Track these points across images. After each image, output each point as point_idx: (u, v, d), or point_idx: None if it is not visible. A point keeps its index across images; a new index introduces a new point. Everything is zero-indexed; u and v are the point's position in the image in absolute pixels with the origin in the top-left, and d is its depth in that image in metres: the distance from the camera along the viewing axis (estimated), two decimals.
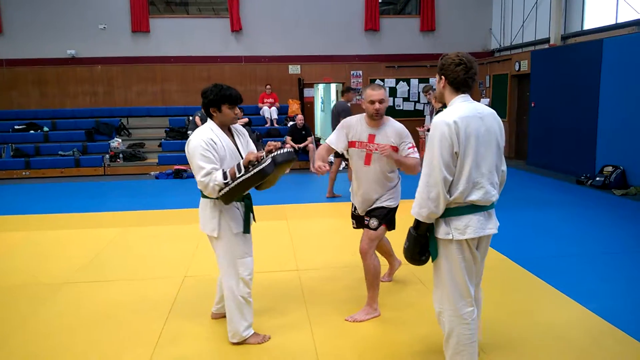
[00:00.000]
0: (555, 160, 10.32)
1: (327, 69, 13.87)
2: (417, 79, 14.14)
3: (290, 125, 11.71)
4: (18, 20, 12.80)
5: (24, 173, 11.22)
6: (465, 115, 2.52)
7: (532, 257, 5.00)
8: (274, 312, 3.89)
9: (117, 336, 3.54)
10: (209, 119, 3.28)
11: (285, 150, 3.14)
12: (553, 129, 10.43)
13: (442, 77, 2.65)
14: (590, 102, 9.37)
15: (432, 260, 2.72)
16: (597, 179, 8.69)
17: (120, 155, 11.68)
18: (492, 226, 2.65)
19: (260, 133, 12.42)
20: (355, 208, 3.93)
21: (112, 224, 6.63)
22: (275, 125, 12.79)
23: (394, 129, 3.66)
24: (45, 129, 12.44)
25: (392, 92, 14.12)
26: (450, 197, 2.52)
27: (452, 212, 2.56)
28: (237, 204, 3.28)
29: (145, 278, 4.68)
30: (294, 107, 13.03)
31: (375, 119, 3.64)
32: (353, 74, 13.99)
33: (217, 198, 3.13)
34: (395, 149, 3.61)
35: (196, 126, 11.84)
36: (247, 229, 3.31)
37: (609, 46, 9.00)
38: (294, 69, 13.89)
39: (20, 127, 12.38)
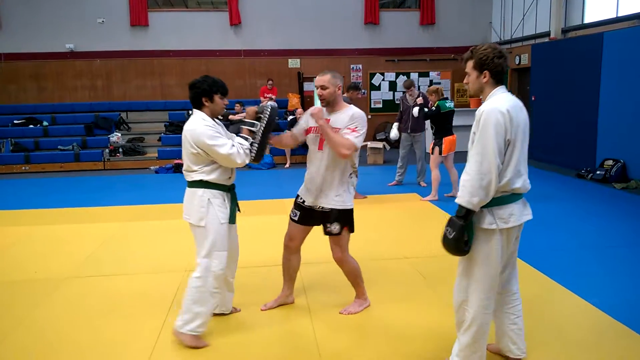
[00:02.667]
0: (556, 153, 10.30)
1: (326, 62, 13.81)
2: (417, 73, 14.10)
3: (290, 119, 11.68)
4: (16, 14, 12.75)
5: (23, 168, 11.21)
6: (513, 105, 2.59)
7: (532, 251, 5.00)
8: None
9: (119, 331, 3.54)
10: (196, 111, 3.30)
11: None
12: (553, 122, 10.40)
13: (486, 71, 2.64)
14: (590, 96, 9.35)
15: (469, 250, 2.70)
16: (598, 172, 8.68)
17: (120, 150, 11.66)
18: (528, 212, 2.72)
19: None
20: (302, 199, 3.67)
21: (112, 218, 6.63)
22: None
23: (348, 114, 3.47)
24: (45, 123, 12.42)
25: (392, 85, 14.08)
26: (498, 185, 2.54)
27: (495, 201, 2.58)
28: (223, 194, 3.32)
29: (146, 272, 4.68)
30: (293, 101, 13.00)
31: (322, 105, 3.51)
32: (353, 67, 13.95)
33: (249, 162, 3.29)
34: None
35: None
36: (232, 219, 3.36)
37: (609, 40, 8.97)
38: (294, 63, 13.85)
39: (19, 121, 12.35)
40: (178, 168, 10.68)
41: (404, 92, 8.64)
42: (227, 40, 13.52)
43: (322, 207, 3.54)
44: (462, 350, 2.76)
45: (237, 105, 12.38)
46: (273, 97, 13.05)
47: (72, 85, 13.27)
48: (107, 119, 12.57)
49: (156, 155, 11.59)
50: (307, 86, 14.15)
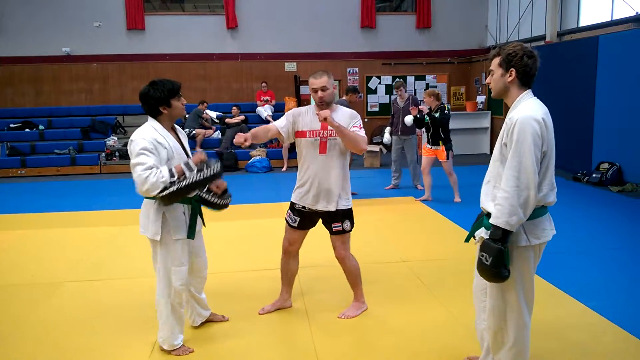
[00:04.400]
0: None
1: (323, 66, 13.65)
2: (413, 76, 14.13)
3: None
4: (13, 18, 12.72)
5: (19, 172, 11.17)
6: (546, 112, 2.41)
7: None
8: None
9: (116, 335, 3.53)
10: (150, 119, 3.13)
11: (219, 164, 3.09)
12: None
13: (512, 69, 2.43)
14: (586, 99, 9.39)
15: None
16: (594, 175, 8.71)
17: (117, 154, 11.63)
18: (553, 226, 2.57)
19: None
20: (302, 205, 3.63)
21: (109, 222, 6.61)
22: (272, 122, 12.74)
23: (344, 114, 3.53)
24: (41, 127, 12.38)
25: (389, 89, 14.10)
26: None
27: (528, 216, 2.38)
28: (183, 207, 3.15)
29: (143, 276, 4.67)
30: (290, 104, 12.99)
31: (321, 107, 3.50)
32: (349, 71, 13.97)
33: (154, 198, 2.96)
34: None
35: (194, 123, 11.82)
36: (191, 235, 3.17)
37: (604, 43, 9.01)
38: (290, 66, 13.86)
39: (15, 125, 12.31)
40: None
41: (395, 95, 8.65)
42: (224, 43, 13.52)
43: (332, 210, 3.55)
44: None
45: (234, 108, 12.39)
46: (270, 99, 13.07)
47: (68, 88, 13.24)
48: (104, 123, 12.54)
49: None
50: (303, 89, 14.14)
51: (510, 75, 2.45)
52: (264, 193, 8.48)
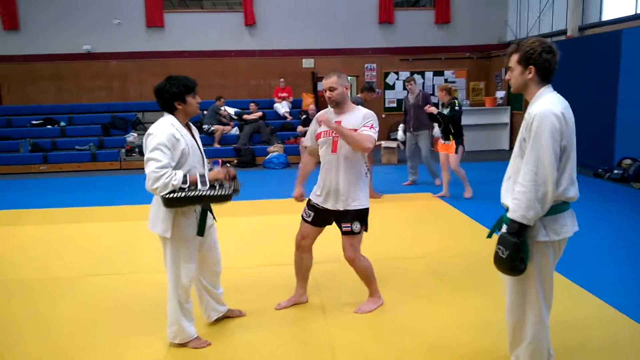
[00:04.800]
0: None
1: (340, 62, 13.80)
2: (431, 72, 14.02)
3: (303, 118, 11.70)
4: (34, 16, 12.93)
5: (41, 168, 11.36)
6: (565, 107, 2.40)
7: None
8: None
9: (137, 328, 3.58)
10: (166, 114, 3.15)
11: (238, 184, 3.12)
12: None
13: (532, 67, 2.41)
14: (608, 94, 9.22)
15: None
16: (616, 171, 8.56)
17: (136, 150, 11.75)
18: (576, 223, 2.54)
19: (274, 127, 12.43)
20: (316, 202, 3.69)
21: (129, 217, 6.69)
22: (289, 118, 12.79)
23: (359, 114, 3.54)
24: (62, 123, 12.57)
25: None
26: None
27: (548, 211, 2.39)
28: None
29: (163, 270, 4.71)
30: (308, 100, 13.01)
31: (332, 106, 3.58)
32: (367, 67, 13.92)
33: (161, 197, 2.94)
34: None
35: (212, 119, 11.89)
36: (201, 232, 3.18)
37: (628, 37, 8.83)
38: (308, 63, 13.86)
39: (37, 122, 12.52)
40: None
41: (407, 92, 8.62)
42: (242, 40, 13.56)
43: (340, 209, 3.56)
44: None
45: (252, 104, 12.44)
46: (288, 96, 13.09)
47: (89, 86, 13.42)
48: (124, 119, 12.69)
49: None
50: (321, 86, 14.11)
51: (530, 73, 2.44)
52: (281, 189, 8.49)
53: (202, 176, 3.03)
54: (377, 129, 3.52)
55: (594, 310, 3.69)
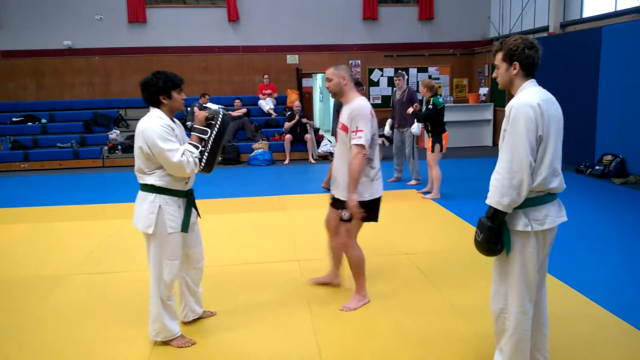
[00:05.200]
0: None
1: (325, 58, 13.79)
2: (415, 68, 14.08)
3: (288, 114, 11.69)
4: (14, 11, 12.70)
5: (22, 165, 11.19)
6: (545, 99, 2.49)
7: None
8: (275, 301, 3.90)
9: (121, 326, 3.55)
10: (152, 109, 3.15)
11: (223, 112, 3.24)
12: None
13: (516, 62, 2.52)
14: (589, 91, 9.35)
15: (507, 255, 2.56)
16: (597, 167, 8.69)
17: (119, 147, 11.64)
18: (563, 214, 2.62)
19: (259, 124, 12.39)
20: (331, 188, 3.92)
21: (112, 215, 6.63)
22: (273, 115, 12.75)
23: (349, 108, 3.57)
24: (43, 120, 12.39)
25: (391, 81, 14.06)
26: (532, 184, 2.43)
27: (530, 202, 2.47)
28: (178, 200, 3.14)
29: (147, 269, 4.68)
30: (292, 97, 12.99)
31: (332, 97, 3.82)
32: (352, 63, 13.92)
33: (200, 171, 3.12)
34: (345, 128, 3.56)
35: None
36: (185, 228, 3.17)
37: (608, 34, 8.96)
38: (292, 59, 13.82)
39: (18, 119, 12.32)
40: None
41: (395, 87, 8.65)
42: (226, 36, 13.49)
43: (335, 195, 3.76)
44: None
45: (237, 101, 12.38)
46: (272, 93, 13.06)
47: (70, 82, 13.24)
48: (106, 116, 12.54)
49: None
50: (305, 82, 14.12)
51: (514, 69, 2.54)
52: (266, 186, 8.49)
53: (195, 129, 3.14)
54: (366, 127, 3.47)
55: (577, 306, 3.74)
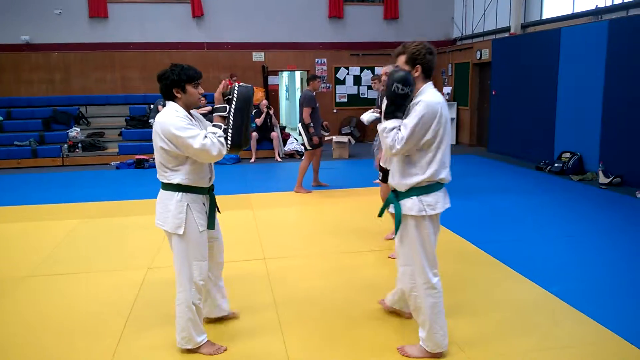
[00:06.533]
0: (516, 147, 10.54)
1: (291, 56, 13.77)
2: (381, 67, 14.18)
3: (255, 112, 11.61)
4: None
5: None
6: (444, 102, 2.85)
7: (492, 241, 5.12)
8: (240, 298, 3.85)
9: (81, 329, 3.47)
10: (169, 102, 3.00)
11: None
12: (513, 116, 10.64)
13: (418, 66, 2.86)
14: (549, 90, 9.60)
15: (395, 233, 3.01)
16: (556, 165, 8.94)
17: (79, 145, 11.35)
18: (448, 201, 2.98)
19: None
20: None
21: (72, 215, 6.46)
22: None
23: None
24: (0, 118, 11.98)
25: (357, 80, 14.14)
26: (424, 175, 2.82)
27: (423, 190, 2.86)
28: (202, 197, 3.07)
29: (107, 270, 4.59)
30: (258, 95, 12.89)
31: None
32: (318, 61, 13.94)
33: (229, 151, 3.02)
34: None
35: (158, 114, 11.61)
36: (211, 225, 3.12)
37: (566, 35, 9.22)
38: (258, 56, 13.74)
39: None
40: (140, 163, 10.48)
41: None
42: (190, 32, 13.30)
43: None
44: (427, 332, 2.97)
45: (202, 99, 12.22)
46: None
47: (28, 78, 12.82)
48: (66, 114, 12.20)
49: (117, 150, 11.32)
50: (272, 80, 14.07)
51: (416, 72, 2.87)
52: (232, 185, 8.41)
53: (216, 109, 3.04)
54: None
55: (536, 299, 3.84)
